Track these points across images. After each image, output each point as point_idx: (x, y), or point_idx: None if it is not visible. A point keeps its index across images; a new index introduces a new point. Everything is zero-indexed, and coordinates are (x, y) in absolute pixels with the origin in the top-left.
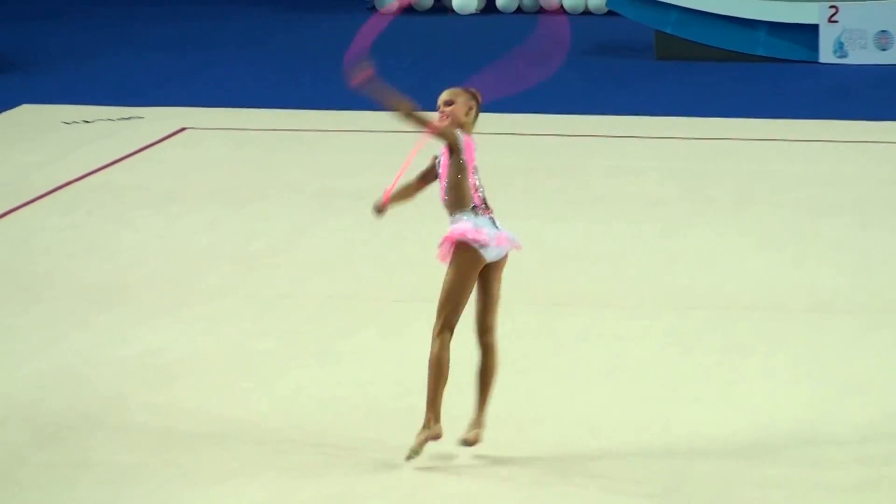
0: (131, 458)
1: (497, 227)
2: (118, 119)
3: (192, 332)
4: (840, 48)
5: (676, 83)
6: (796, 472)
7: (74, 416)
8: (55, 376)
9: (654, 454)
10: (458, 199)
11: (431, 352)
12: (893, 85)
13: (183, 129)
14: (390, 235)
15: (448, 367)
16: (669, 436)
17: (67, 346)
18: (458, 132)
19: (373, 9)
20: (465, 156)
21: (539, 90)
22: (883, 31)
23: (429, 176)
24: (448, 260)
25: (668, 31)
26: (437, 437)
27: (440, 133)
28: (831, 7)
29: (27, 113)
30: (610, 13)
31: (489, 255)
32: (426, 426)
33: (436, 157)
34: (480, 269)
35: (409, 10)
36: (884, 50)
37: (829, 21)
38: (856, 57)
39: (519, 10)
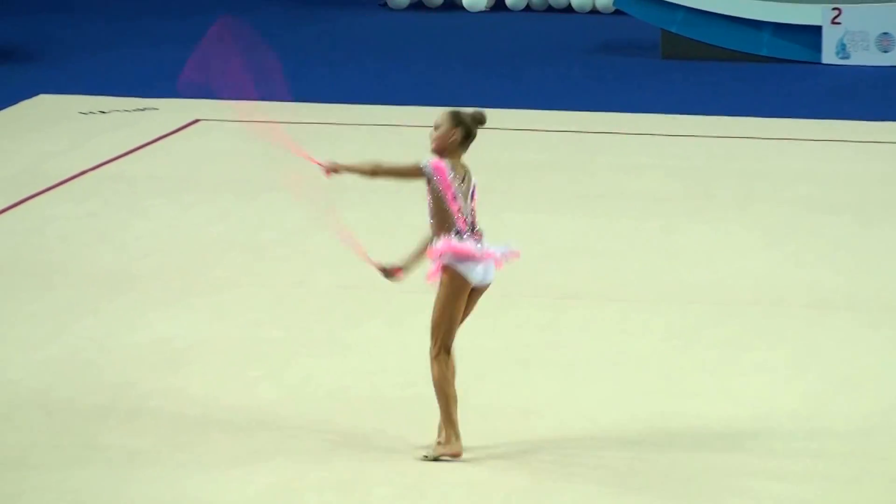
0: (142, 442)
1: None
2: (133, 110)
3: (203, 321)
4: (842, 49)
5: (681, 82)
6: (794, 464)
7: (86, 401)
8: (68, 362)
9: (654, 446)
10: (440, 224)
11: (433, 377)
12: (894, 86)
13: (196, 121)
14: (399, 227)
15: (454, 386)
16: (669, 428)
17: (80, 332)
18: (427, 163)
19: (384, 5)
20: (439, 185)
21: (547, 87)
22: (885, 34)
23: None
24: (436, 281)
25: (674, 30)
26: (456, 455)
27: (412, 174)
28: (834, 9)
29: (44, 103)
30: (617, 12)
31: (475, 279)
32: (447, 441)
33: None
34: (469, 291)
35: (419, 6)
36: (885, 52)
37: (832, 23)
38: (858, 58)
39: (528, 7)
